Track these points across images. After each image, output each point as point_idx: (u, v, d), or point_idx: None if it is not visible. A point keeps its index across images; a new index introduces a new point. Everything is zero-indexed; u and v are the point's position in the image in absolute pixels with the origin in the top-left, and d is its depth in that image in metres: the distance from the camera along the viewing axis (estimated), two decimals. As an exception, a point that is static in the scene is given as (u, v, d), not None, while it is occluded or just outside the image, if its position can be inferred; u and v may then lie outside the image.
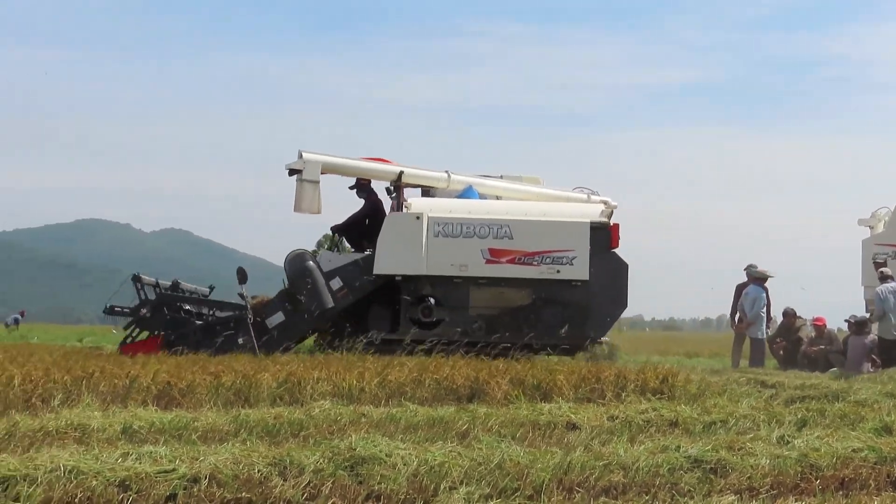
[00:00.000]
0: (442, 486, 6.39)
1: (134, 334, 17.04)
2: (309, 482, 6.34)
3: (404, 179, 18.14)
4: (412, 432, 8.58)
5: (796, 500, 6.51)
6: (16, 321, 43.90)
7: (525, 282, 17.60)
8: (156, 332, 16.86)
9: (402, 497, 6.24)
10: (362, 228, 18.34)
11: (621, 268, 17.93)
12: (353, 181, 18.44)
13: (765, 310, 20.59)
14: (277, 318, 17.23)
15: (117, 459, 6.51)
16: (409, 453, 6.92)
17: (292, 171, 17.55)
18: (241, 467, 6.45)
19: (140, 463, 6.43)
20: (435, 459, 6.83)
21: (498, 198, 18.73)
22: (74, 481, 6.04)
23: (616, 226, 17.99)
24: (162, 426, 8.89)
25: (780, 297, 21.96)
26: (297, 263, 17.37)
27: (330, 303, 17.26)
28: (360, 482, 6.46)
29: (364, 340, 16.58)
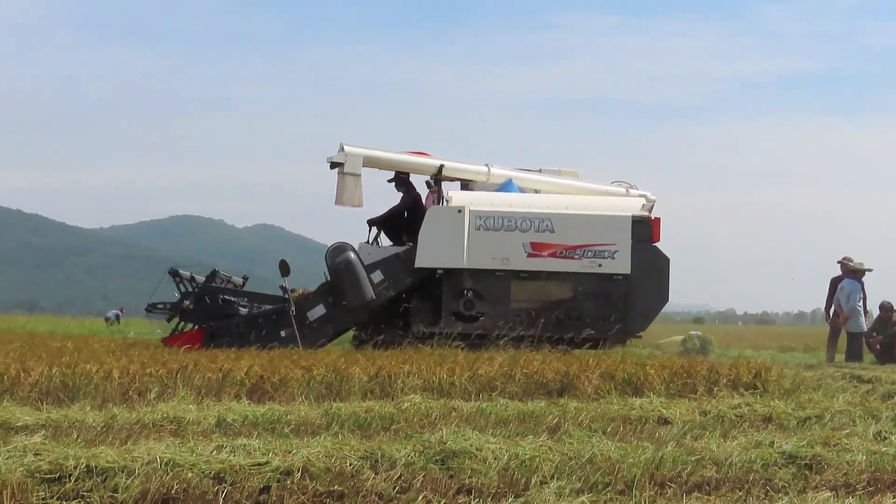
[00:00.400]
0: (533, 481, 6.38)
1: (175, 326, 17.28)
2: (400, 475, 6.38)
3: (444, 173, 18.19)
4: (502, 426, 8.59)
5: (894, 498, 6.38)
6: (117, 317, 44.78)
7: (566, 275, 17.54)
8: (196, 325, 17.09)
9: (493, 491, 6.24)
10: (401, 222, 18.34)
11: (663, 262, 17.84)
12: (391, 175, 18.49)
13: (861, 303, 20.27)
14: (319, 310, 17.27)
15: (212, 452, 6.61)
16: (500, 447, 6.93)
17: (334, 165, 17.67)
18: (333, 460, 6.51)
19: (234, 456, 6.52)
20: (525, 454, 6.83)
21: (537, 191, 18.70)
22: (170, 473, 6.14)
23: (657, 219, 17.94)
24: (255, 419, 9.00)
25: (877, 291, 21.59)
26: (338, 256, 17.41)
27: (371, 296, 17.29)
28: (451, 476, 6.47)
29: (450, 335, 16.66)
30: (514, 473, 6.52)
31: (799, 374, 13.45)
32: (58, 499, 5.85)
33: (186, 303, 17.07)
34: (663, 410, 10.11)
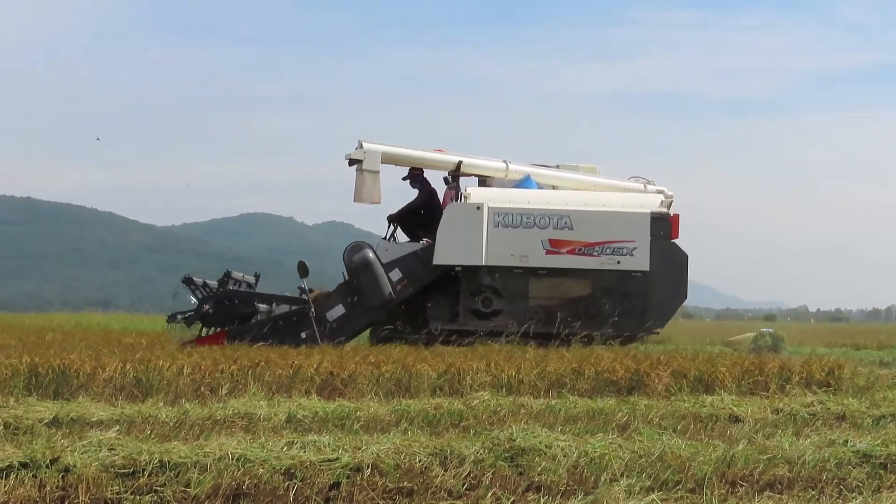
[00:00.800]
0: (602, 478, 6.35)
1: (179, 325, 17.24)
2: (469, 472, 6.38)
3: (463, 169, 18.18)
4: (572, 424, 8.56)
5: (972, 498, 6.27)
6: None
7: (585, 272, 17.54)
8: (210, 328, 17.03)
9: (563, 488, 6.23)
10: (418, 218, 18.28)
11: (681, 259, 17.80)
12: (405, 171, 18.41)
13: (937, 300, 19.95)
14: (338, 310, 17.26)
15: (282, 448, 6.67)
16: (569, 445, 6.91)
17: (352, 161, 17.62)
18: (402, 457, 6.53)
19: (304, 451, 6.57)
20: (595, 451, 6.80)
21: (554, 188, 18.60)
22: (242, 469, 6.20)
23: (676, 216, 17.89)
24: (325, 415, 9.06)
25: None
26: (356, 255, 17.37)
27: (390, 294, 17.28)
28: (521, 473, 6.47)
29: (520, 332, 16.68)
30: (583, 471, 6.50)
31: (873, 372, 13.30)
32: (132, 493, 5.93)
33: (206, 307, 17.04)
34: (734, 408, 10.03)
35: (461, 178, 18.37)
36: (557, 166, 19.13)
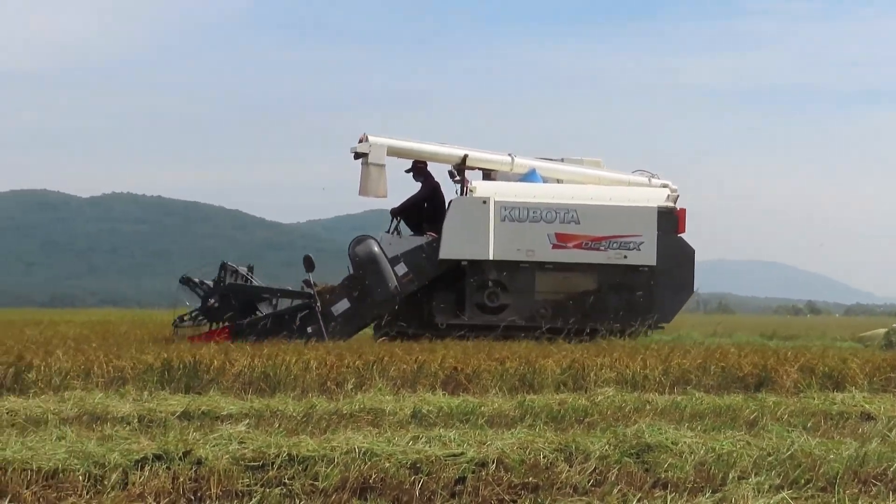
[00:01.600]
0: (730, 476, 6.27)
1: (188, 320, 17.07)
2: (595, 468, 6.36)
3: (468, 162, 18.01)
4: (698, 420, 8.47)
5: None
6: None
7: (591, 267, 17.39)
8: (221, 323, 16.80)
9: (690, 486, 6.16)
10: (422, 211, 18.11)
11: (688, 253, 17.63)
12: (409, 165, 18.24)
13: None
14: (343, 305, 17.08)
15: (408, 442, 6.72)
16: (696, 441, 6.84)
17: (358, 155, 17.52)
18: (527, 452, 6.53)
19: (430, 446, 6.61)
20: (723, 448, 6.73)
21: (559, 181, 18.37)
22: (368, 463, 6.27)
23: (683, 210, 17.66)
24: (449, 410, 9.09)
25: None
26: (362, 249, 17.24)
27: (396, 288, 17.15)
28: (647, 469, 6.42)
29: (646, 327, 16.61)
30: (710, 468, 6.43)
31: None
32: (261, 485, 6.04)
33: (212, 301, 16.91)
34: (866, 405, 9.80)
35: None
36: (562, 160, 18.97)
